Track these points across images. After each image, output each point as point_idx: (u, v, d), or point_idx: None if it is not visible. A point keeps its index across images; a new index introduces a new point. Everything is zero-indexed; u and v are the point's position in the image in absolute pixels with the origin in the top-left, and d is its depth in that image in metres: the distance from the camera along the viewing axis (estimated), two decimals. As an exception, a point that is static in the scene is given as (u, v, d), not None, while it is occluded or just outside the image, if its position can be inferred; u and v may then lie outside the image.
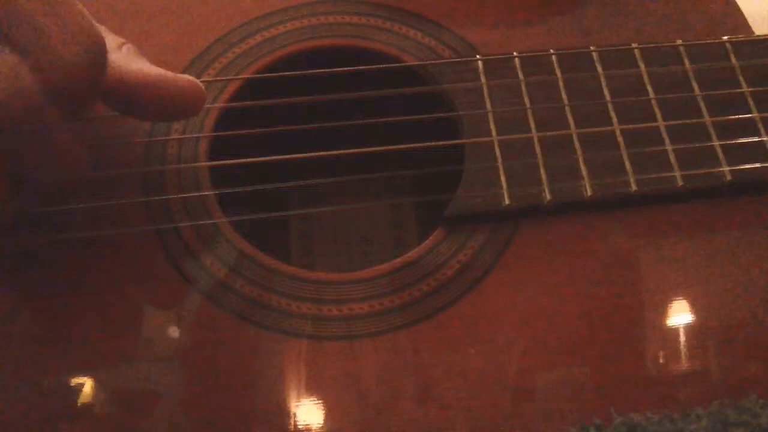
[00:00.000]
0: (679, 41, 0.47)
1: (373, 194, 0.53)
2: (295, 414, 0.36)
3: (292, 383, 0.37)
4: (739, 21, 0.50)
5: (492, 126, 0.43)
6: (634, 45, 0.46)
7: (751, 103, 0.45)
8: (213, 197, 0.42)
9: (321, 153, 0.42)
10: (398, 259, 0.41)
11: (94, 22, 0.33)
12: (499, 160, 0.43)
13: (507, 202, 0.41)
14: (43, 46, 0.31)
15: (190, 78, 0.38)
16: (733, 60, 0.46)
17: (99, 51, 0.33)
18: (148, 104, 0.38)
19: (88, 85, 0.33)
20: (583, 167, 0.42)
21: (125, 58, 0.37)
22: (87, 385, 0.36)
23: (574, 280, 0.40)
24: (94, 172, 0.40)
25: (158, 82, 0.37)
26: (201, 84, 0.39)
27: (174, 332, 0.38)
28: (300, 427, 0.36)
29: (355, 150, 0.42)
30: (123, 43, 0.39)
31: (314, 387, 0.37)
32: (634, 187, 0.42)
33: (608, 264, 0.41)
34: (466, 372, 0.37)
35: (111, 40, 0.38)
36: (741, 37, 0.47)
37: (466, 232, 0.42)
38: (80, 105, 0.34)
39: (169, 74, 0.38)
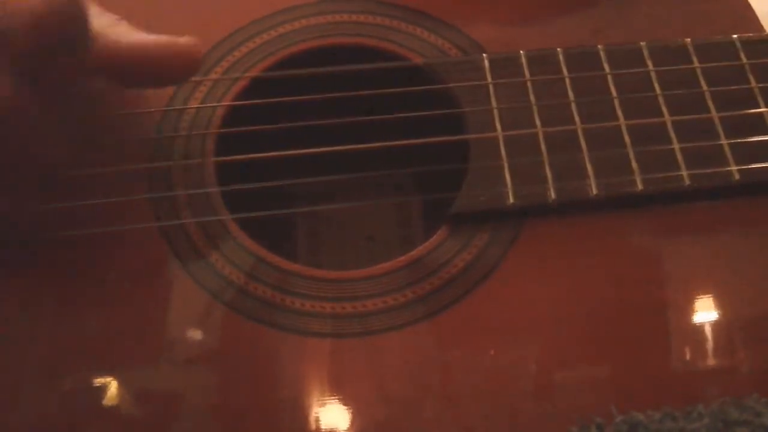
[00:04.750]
0: (688, 39, 0.46)
1: (380, 193, 0.53)
2: (315, 413, 0.36)
3: (311, 383, 0.37)
4: (750, 19, 0.49)
5: (497, 123, 0.43)
6: (642, 43, 0.46)
7: (760, 101, 0.45)
8: (220, 195, 0.42)
9: (327, 149, 0.42)
10: (404, 257, 0.41)
11: None
12: (504, 158, 0.42)
13: (511, 200, 0.41)
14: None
15: (188, 38, 0.40)
16: (743, 58, 0.46)
17: (68, 4, 0.33)
18: (152, 70, 0.39)
19: (59, 41, 0.33)
20: (588, 166, 0.42)
21: (123, 32, 0.39)
22: (101, 386, 0.36)
23: (578, 278, 0.40)
24: (83, 171, 0.40)
25: (158, 47, 0.39)
26: (198, 43, 0.40)
27: (185, 334, 0.38)
28: (321, 426, 0.36)
29: (361, 146, 0.42)
30: (119, 21, 0.39)
31: (333, 385, 0.37)
32: (640, 186, 0.42)
33: (613, 263, 0.40)
34: (476, 369, 0.37)
35: (107, 17, 0.39)
36: (751, 35, 0.47)
37: (471, 230, 0.41)
38: (56, 68, 0.34)
39: (167, 37, 0.39)
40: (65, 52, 0.34)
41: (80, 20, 0.34)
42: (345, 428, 0.36)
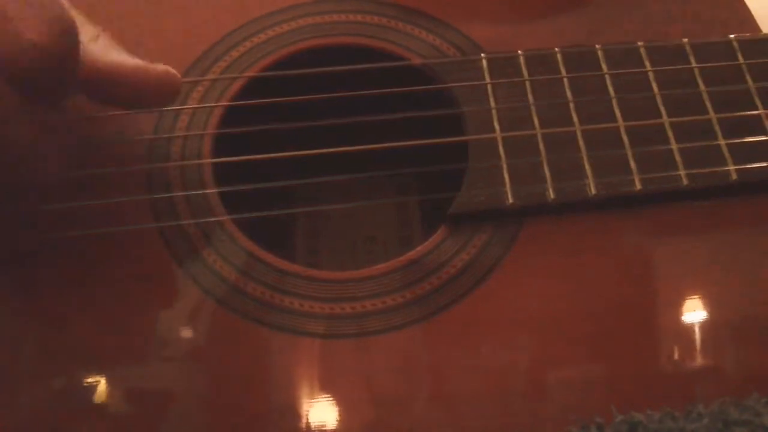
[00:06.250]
0: (686, 40, 0.47)
1: (379, 193, 0.53)
2: (309, 413, 0.36)
3: (306, 383, 0.37)
4: (747, 19, 0.49)
5: (496, 124, 0.43)
6: (639, 43, 0.46)
7: (757, 101, 0.45)
8: (218, 196, 0.42)
9: (326, 150, 0.42)
10: (402, 257, 0.41)
11: (66, 7, 0.33)
12: (503, 158, 0.42)
13: (510, 200, 0.41)
14: (5, 27, 0.30)
15: (165, 67, 0.39)
16: (740, 58, 0.46)
17: (68, 35, 0.32)
18: (124, 94, 0.38)
19: (56, 70, 0.33)
20: (587, 166, 0.42)
21: (101, 49, 0.38)
22: (98, 384, 0.36)
23: (578, 278, 0.40)
24: (80, 173, 0.40)
25: (134, 73, 0.38)
26: (176, 73, 0.39)
27: (182, 333, 0.38)
28: (313, 426, 0.36)
29: (360, 147, 0.42)
30: (99, 34, 0.38)
31: (328, 385, 0.37)
32: (638, 186, 0.42)
33: (612, 262, 0.41)
34: (475, 369, 0.38)
35: (87, 31, 0.38)
36: (748, 35, 0.47)
37: (470, 230, 0.41)
38: (48, 93, 0.34)
39: (144, 64, 0.38)
40: (57, 80, 0.34)
41: (75, 54, 0.34)
42: (341, 429, 0.36)
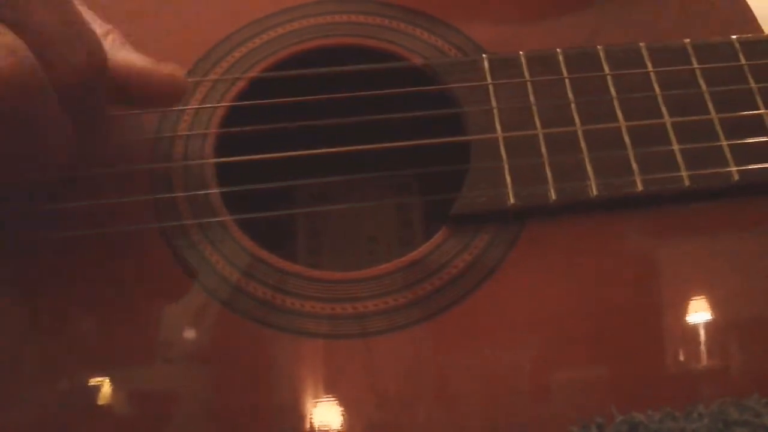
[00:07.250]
0: (687, 40, 0.46)
1: (380, 193, 0.53)
2: (311, 413, 0.36)
3: (308, 383, 0.37)
4: (749, 19, 0.49)
5: (497, 124, 0.43)
6: (641, 44, 0.46)
7: (759, 102, 0.45)
8: (219, 196, 0.42)
9: (328, 150, 0.42)
10: (404, 258, 0.41)
11: (94, 29, 0.35)
12: (505, 159, 0.42)
13: (512, 201, 0.41)
14: (54, 53, 0.33)
15: (172, 69, 0.39)
16: (742, 59, 0.46)
17: (101, 56, 0.35)
18: (132, 93, 0.39)
19: (92, 87, 0.35)
20: (589, 167, 0.42)
21: (111, 48, 0.38)
22: (100, 385, 0.36)
23: (579, 279, 0.40)
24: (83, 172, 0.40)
25: (142, 72, 0.38)
26: (182, 76, 0.40)
27: (184, 334, 0.38)
28: (316, 426, 0.36)
29: (361, 147, 0.42)
30: (109, 31, 0.39)
31: (330, 386, 0.37)
32: (640, 187, 0.42)
33: (613, 263, 0.41)
34: (476, 370, 0.38)
35: (97, 28, 0.38)
36: (750, 36, 0.47)
37: (472, 231, 0.42)
38: (83, 103, 0.35)
39: (152, 64, 0.39)
40: (93, 94, 0.37)
41: (105, 68, 0.36)
42: (344, 429, 0.36)
